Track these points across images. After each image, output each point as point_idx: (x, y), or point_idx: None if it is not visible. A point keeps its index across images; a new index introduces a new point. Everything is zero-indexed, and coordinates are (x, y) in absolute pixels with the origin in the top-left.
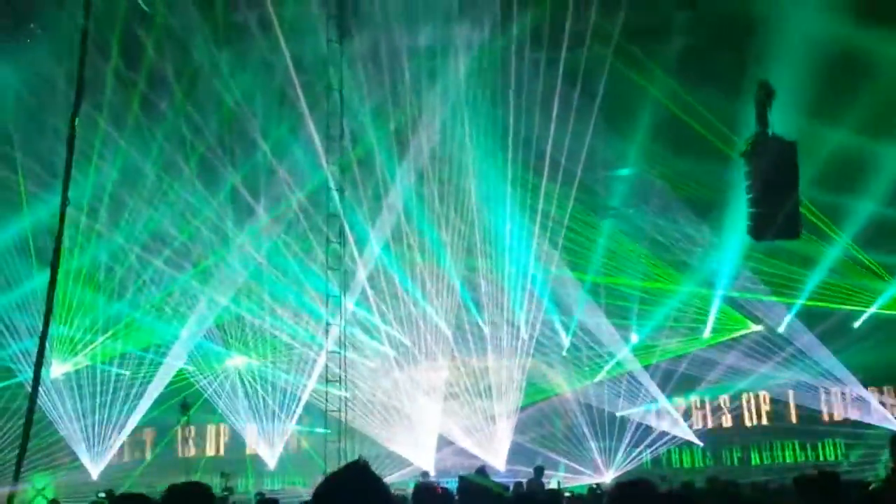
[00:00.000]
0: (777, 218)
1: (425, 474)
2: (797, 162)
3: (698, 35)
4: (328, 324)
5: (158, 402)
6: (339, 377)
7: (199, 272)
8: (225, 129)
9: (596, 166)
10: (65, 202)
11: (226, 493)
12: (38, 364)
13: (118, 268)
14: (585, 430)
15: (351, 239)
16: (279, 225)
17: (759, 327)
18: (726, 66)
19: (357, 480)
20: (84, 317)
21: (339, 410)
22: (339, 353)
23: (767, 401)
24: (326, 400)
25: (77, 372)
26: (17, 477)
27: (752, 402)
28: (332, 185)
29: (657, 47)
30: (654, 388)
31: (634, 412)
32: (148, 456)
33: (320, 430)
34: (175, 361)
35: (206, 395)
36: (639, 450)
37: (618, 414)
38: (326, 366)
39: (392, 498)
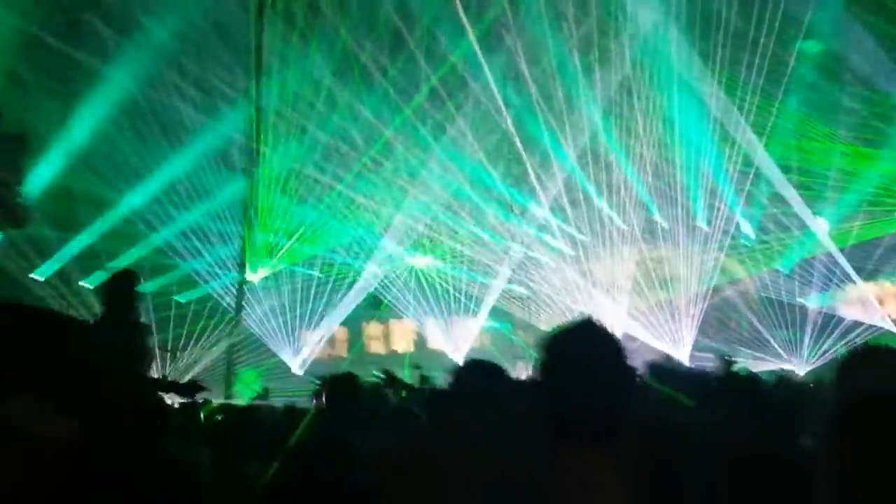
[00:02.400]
0: None
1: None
2: None
3: None
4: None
5: (348, 301)
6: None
7: (382, 174)
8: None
9: (785, 40)
10: (258, 110)
11: (424, 384)
12: (243, 268)
13: (305, 173)
14: (770, 322)
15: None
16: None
17: None
18: None
19: (590, 331)
20: (276, 221)
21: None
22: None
23: None
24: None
25: (274, 275)
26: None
27: None
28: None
29: None
30: (846, 274)
31: (825, 301)
32: (343, 353)
33: (497, 325)
34: (362, 262)
35: (389, 293)
36: (832, 342)
37: (807, 305)
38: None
39: (622, 349)
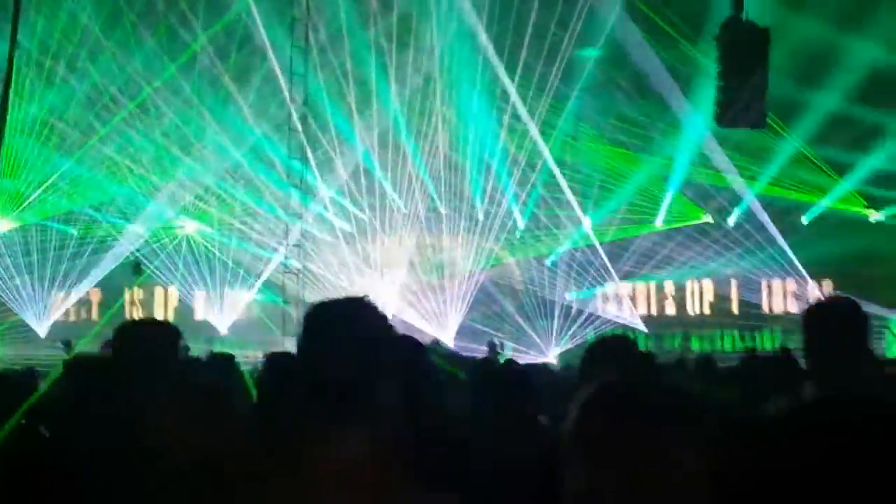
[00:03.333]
0: (745, 105)
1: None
2: (769, 50)
3: None
4: (292, 186)
5: (106, 263)
6: (298, 248)
7: (153, 132)
8: None
9: (563, 46)
10: (13, 47)
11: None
12: None
13: (66, 121)
14: (530, 313)
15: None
16: (243, 89)
17: (709, 218)
18: None
19: (355, 307)
20: (29, 171)
21: (296, 281)
22: (298, 223)
23: (711, 290)
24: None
25: (22, 228)
26: None
27: (696, 290)
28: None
29: None
30: (604, 271)
31: (580, 297)
32: (95, 317)
33: (268, 298)
34: (125, 222)
35: (156, 259)
36: (583, 331)
37: (565, 296)
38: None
39: (391, 327)
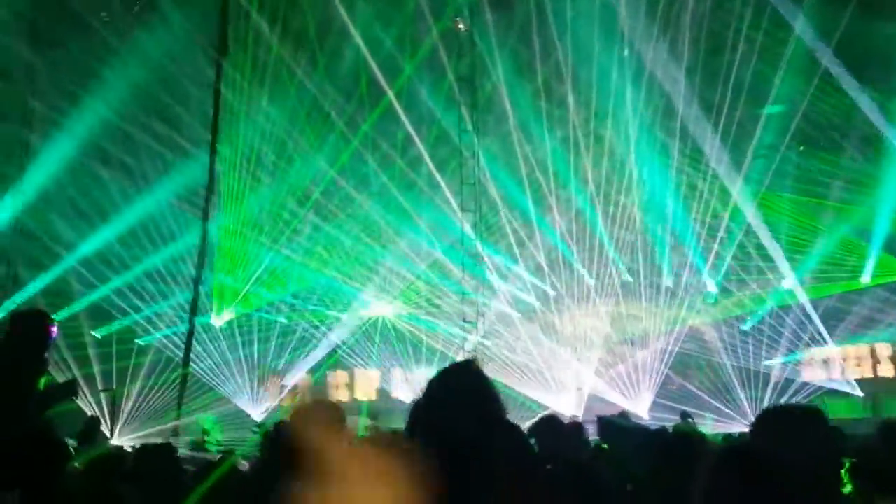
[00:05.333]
0: None
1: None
2: None
3: None
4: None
5: (316, 352)
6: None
7: (343, 221)
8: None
9: (747, 104)
10: (213, 154)
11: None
12: (193, 310)
13: (272, 220)
14: (731, 382)
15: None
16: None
17: None
18: None
19: (463, 374)
20: (243, 267)
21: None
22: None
23: None
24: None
25: (237, 320)
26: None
27: None
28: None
29: None
30: (812, 332)
31: (783, 361)
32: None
33: None
34: (329, 309)
35: (353, 341)
36: (791, 400)
37: (765, 363)
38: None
39: (496, 393)
